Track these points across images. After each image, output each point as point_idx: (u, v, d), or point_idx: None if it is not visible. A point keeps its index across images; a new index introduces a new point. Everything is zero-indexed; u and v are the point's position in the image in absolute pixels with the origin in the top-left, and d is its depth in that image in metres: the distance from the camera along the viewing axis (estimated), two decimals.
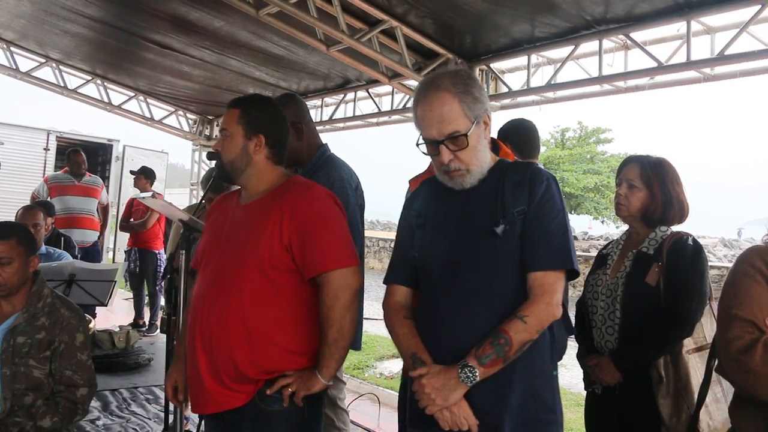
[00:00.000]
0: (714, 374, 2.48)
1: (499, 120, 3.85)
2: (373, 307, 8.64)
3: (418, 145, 2.11)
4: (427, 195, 2.23)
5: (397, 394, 3.39)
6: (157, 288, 8.21)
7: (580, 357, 2.94)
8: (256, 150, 2.38)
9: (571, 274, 2.06)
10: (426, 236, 2.15)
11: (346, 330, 2.22)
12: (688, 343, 2.65)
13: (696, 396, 2.53)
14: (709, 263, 2.73)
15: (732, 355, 1.72)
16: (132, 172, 8.61)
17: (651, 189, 2.81)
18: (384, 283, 2.26)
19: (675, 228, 2.84)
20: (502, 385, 1.94)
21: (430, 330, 2.06)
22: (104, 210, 8.37)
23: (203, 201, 3.63)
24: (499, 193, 2.05)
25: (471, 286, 2.00)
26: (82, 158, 8.07)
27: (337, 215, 2.32)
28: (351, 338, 2.27)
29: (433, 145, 2.05)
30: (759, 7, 4.78)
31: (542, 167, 2.19)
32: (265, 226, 2.25)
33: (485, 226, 2.01)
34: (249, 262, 2.24)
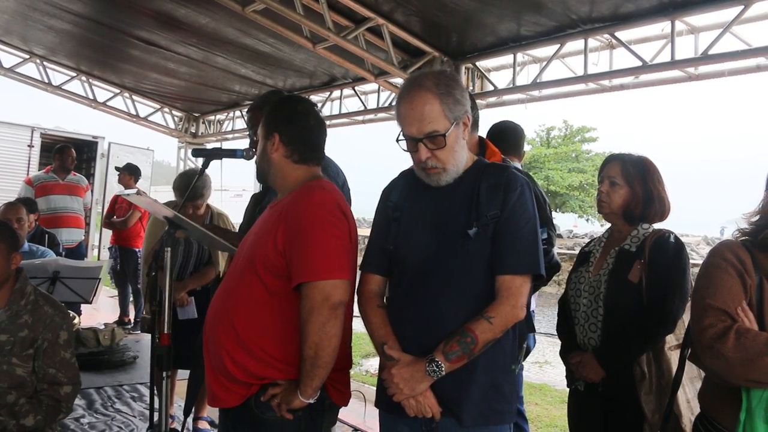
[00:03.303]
0: (697, 370, 2.53)
1: (484, 118, 3.89)
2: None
3: (398, 140, 2.18)
4: (404, 188, 2.31)
5: None
6: (139, 285, 8.19)
7: (563, 354, 2.95)
8: (273, 150, 2.35)
9: (538, 278, 2.16)
10: (401, 231, 2.23)
11: (323, 349, 2.08)
12: (670, 340, 2.67)
13: (679, 393, 2.56)
14: (692, 261, 2.77)
15: (706, 342, 1.79)
16: (117, 169, 8.56)
17: (632, 186, 2.83)
18: (359, 270, 2.31)
19: (657, 225, 2.87)
20: (465, 377, 2.06)
21: (400, 322, 2.17)
22: (86, 211, 8.37)
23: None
24: (475, 195, 2.13)
25: (442, 284, 2.10)
26: (73, 154, 8.04)
27: (332, 224, 2.18)
28: (331, 358, 2.11)
29: (412, 142, 2.12)
30: (742, 7, 4.83)
31: (518, 172, 2.26)
32: (270, 229, 2.23)
33: (459, 227, 2.10)
34: (249, 264, 2.24)
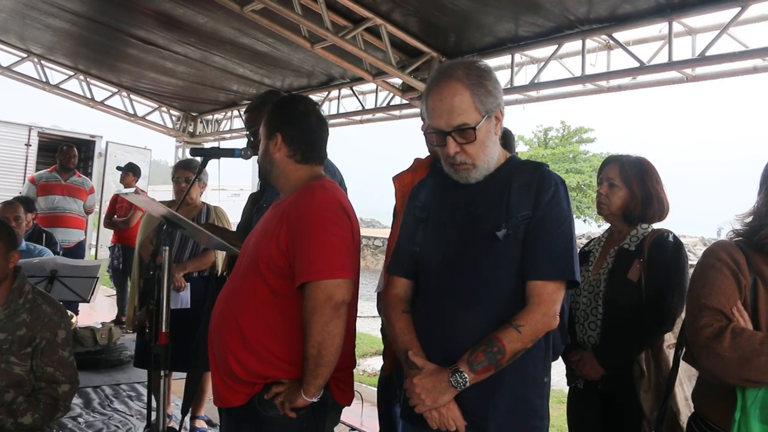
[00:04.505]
0: (692, 372, 2.54)
1: None
2: None
3: (425, 132, 2.07)
4: (433, 187, 2.19)
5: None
6: None
7: (563, 352, 2.96)
8: (275, 150, 2.34)
9: (572, 284, 2.01)
10: (428, 232, 2.11)
11: (326, 348, 2.07)
12: (669, 338, 2.69)
13: (676, 390, 2.57)
14: (689, 261, 2.78)
15: (702, 341, 1.80)
16: (119, 168, 8.58)
17: (631, 188, 2.85)
18: (386, 272, 2.24)
19: (655, 225, 2.88)
20: (492, 389, 1.93)
21: (424, 327, 2.05)
22: (87, 213, 8.41)
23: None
24: (505, 194, 1.99)
25: (468, 288, 1.97)
26: (73, 154, 8.12)
27: (334, 223, 2.17)
28: (334, 357, 2.10)
29: (440, 136, 1.99)
30: (739, 9, 4.83)
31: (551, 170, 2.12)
32: (273, 229, 2.22)
33: (488, 228, 1.96)
34: (253, 265, 2.24)
